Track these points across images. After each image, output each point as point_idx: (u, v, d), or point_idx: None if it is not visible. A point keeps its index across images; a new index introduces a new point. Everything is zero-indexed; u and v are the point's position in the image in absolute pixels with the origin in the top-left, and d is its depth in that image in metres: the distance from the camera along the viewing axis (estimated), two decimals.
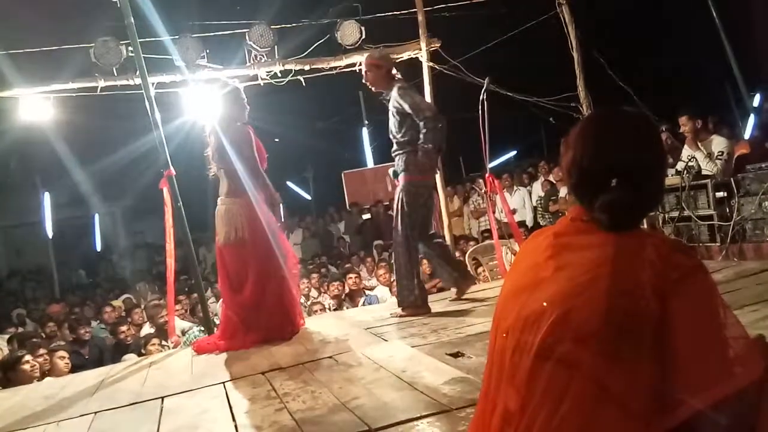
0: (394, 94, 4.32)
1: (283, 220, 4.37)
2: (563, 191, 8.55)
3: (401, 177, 4.39)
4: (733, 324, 1.16)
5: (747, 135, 8.40)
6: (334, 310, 6.35)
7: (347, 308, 6.40)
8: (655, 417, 1.11)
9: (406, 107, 4.24)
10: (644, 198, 1.29)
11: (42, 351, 4.99)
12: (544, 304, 1.24)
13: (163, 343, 5.70)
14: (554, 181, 9.06)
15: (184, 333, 5.77)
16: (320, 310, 6.24)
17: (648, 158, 1.29)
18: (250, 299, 4.08)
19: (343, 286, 6.85)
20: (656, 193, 1.36)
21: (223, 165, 4.16)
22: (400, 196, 4.36)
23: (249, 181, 4.09)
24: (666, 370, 1.12)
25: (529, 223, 9.13)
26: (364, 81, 4.62)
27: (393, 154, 4.48)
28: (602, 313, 1.16)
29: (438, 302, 4.85)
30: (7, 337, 6.60)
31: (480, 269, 6.39)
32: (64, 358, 5.09)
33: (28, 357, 4.63)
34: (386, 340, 3.71)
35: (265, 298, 4.08)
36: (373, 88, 4.58)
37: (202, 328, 5.65)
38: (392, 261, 4.51)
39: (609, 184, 1.25)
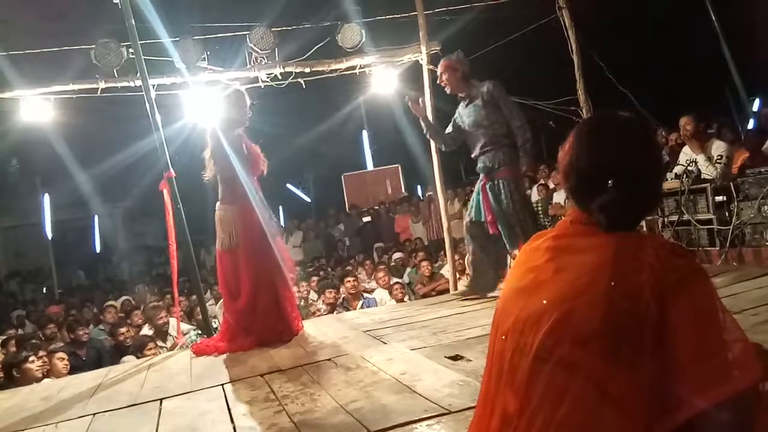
0: (488, 86, 4.53)
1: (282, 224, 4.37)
2: (557, 197, 8.55)
3: (505, 170, 4.51)
4: (732, 327, 1.16)
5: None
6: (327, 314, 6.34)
7: (342, 311, 6.38)
8: (654, 419, 1.11)
9: (501, 102, 4.47)
10: (641, 198, 1.31)
11: (41, 353, 4.99)
12: (544, 303, 1.25)
13: (160, 344, 5.70)
14: (549, 186, 9.07)
15: (183, 335, 5.77)
16: (317, 311, 6.24)
17: (643, 159, 1.31)
18: (245, 305, 4.09)
19: (338, 293, 6.84)
20: (653, 193, 1.38)
21: (217, 170, 4.17)
22: (511, 188, 4.50)
23: (243, 186, 4.10)
24: (665, 372, 1.12)
25: None
26: (438, 82, 4.76)
27: (484, 148, 4.60)
28: (601, 315, 1.16)
29: (437, 305, 4.86)
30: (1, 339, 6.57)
31: None
32: (63, 359, 5.09)
33: (33, 357, 4.64)
34: (385, 343, 3.71)
35: (259, 303, 4.08)
36: (447, 90, 4.74)
37: (200, 332, 5.66)
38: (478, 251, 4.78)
39: (605, 186, 1.27)
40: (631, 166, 1.28)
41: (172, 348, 5.55)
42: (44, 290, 13.56)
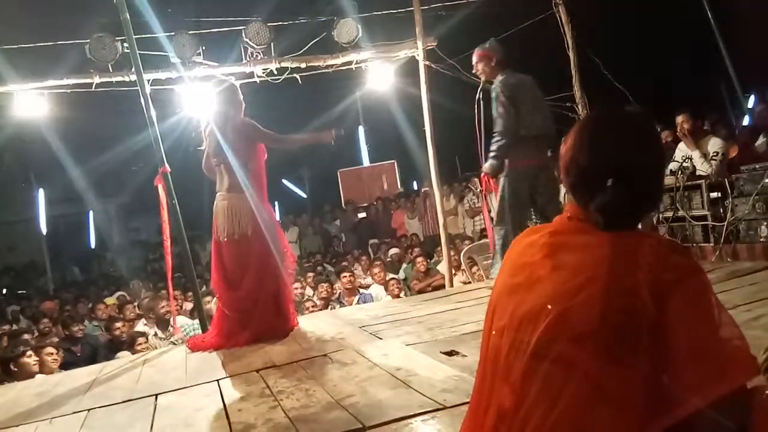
0: (497, 84, 4.66)
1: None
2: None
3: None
4: (729, 325, 1.16)
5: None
6: (319, 310, 6.35)
7: (338, 307, 6.39)
8: (651, 416, 1.11)
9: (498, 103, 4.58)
10: (641, 199, 1.29)
11: (28, 350, 4.95)
12: (541, 301, 1.24)
13: (160, 334, 5.71)
14: None
15: (179, 329, 5.77)
16: (312, 307, 6.25)
17: (646, 159, 1.29)
18: (247, 296, 4.06)
19: (332, 288, 6.83)
20: (654, 193, 1.35)
21: (224, 160, 4.14)
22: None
23: (253, 175, 4.09)
24: (661, 371, 1.12)
25: None
26: (474, 72, 4.89)
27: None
28: (599, 314, 1.16)
29: (433, 301, 4.87)
30: None
31: (475, 268, 6.40)
32: (51, 354, 4.98)
33: (30, 351, 4.61)
34: (381, 339, 3.71)
35: (262, 295, 4.06)
36: (483, 78, 4.87)
37: (196, 327, 5.66)
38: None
39: (605, 185, 1.25)
40: (634, 165, 1.26)
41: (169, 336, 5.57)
42: (38, 285, 13.49)
